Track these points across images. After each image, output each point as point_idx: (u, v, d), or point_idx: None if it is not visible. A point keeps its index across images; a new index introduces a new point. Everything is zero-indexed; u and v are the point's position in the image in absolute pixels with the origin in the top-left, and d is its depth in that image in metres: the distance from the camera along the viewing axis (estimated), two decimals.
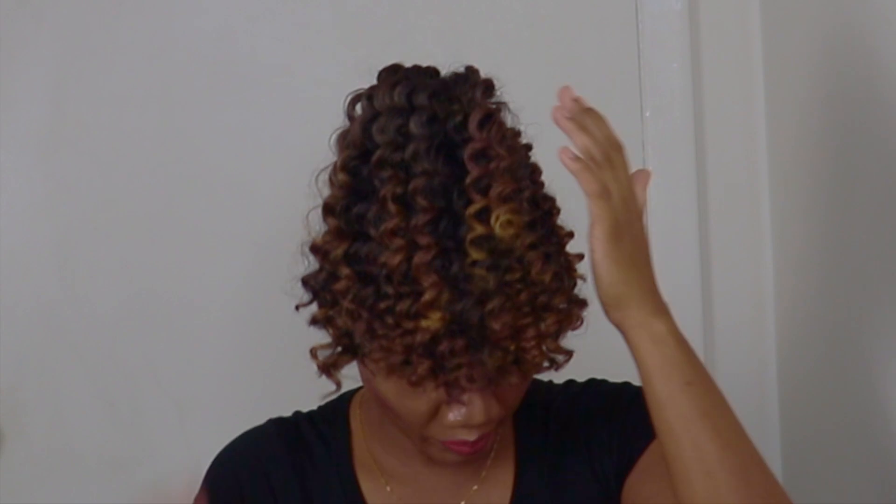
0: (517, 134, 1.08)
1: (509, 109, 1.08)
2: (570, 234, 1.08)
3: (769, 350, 1.83)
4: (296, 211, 1.12)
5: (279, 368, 1.75)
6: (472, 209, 1.00)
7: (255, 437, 1.27)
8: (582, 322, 1.07)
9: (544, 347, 1.04)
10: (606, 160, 1.03)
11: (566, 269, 1.06)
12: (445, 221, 1.01)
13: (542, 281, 1.02)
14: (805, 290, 1.71)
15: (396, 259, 1.01)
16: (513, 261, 1.01)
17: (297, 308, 1.12)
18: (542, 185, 1.08)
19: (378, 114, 1.05)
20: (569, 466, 1.21)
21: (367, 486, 1.22)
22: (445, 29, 1.80)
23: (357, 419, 1.25)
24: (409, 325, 1.01)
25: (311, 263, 1.10)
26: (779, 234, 1.80)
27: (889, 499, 1.39)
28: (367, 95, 1.08)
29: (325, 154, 1.11)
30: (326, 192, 1.09)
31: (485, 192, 1.01)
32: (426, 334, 1.00)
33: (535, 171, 1.08)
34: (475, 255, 1.00)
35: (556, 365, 1.08)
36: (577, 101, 1.05)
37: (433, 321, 1.00)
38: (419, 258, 1.00)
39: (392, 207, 1.01)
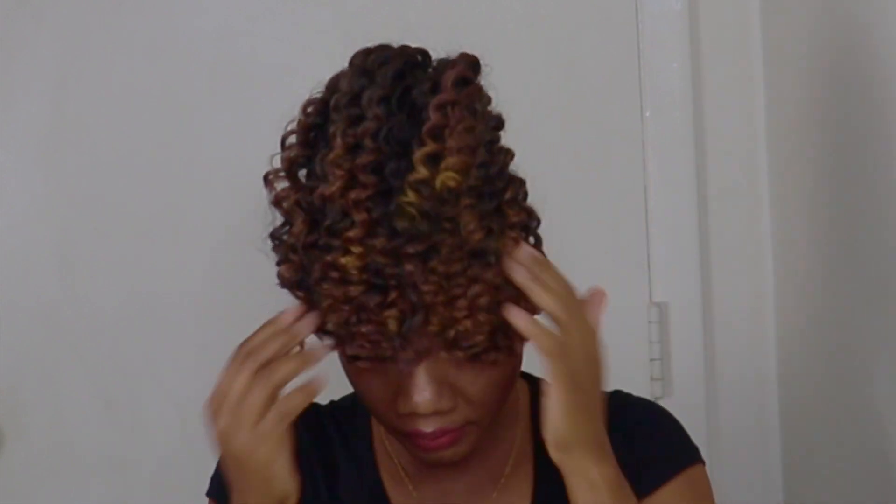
0: (486, 109, 1.05)
1: (484, 93, 1.06)
2: (519, 224, 1.05)
3: (769, 351, 1.83)
4: None
5: None
6: (421, 151, 0.99)
7: None
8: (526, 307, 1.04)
9: (478, 319, 1.01)
10: (564, 308, 1.03)
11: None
12: (394, 164, 0.99)
13: (470, 241, 1.00)
14: (805, 291, 1.71)
15: (331, 189, 0.99)
16: (447, 213, 0.99)
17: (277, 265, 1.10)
18: (503, 164, 1.05)
19: (347, 71, 1.06)
20: None
21: (393, 491, 1.20)
22: (445, 29, 1.80)
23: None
24: (330, 258, 1.00)
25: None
26: (779, 234, 1.80)
27: (889, 500, 1.39)
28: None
29: None
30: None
31: (439, 140, 0.99)
32: (344, 272, 0.99)
33: (500, 151, 1.05)
34: (410, 195, 0.98)
35: (502, 349, 1.05)
36: (533, 256, 1.05)
37: (352, 259, 0.99)
38: (355, 194, 0.99)
39: (339, 142, 1.00)
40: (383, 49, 1.05)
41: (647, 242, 1.83)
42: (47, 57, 1.80)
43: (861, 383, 1.48)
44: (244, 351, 1.06)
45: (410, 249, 0.98)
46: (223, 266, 1.82)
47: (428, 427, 1.07)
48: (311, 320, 1.05)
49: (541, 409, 1.03)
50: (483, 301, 1.01)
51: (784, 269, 1.79)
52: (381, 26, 1.81)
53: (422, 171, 0.98)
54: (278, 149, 1.79)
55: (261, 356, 1.05)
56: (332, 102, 1.04)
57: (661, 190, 1.82)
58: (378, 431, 1.22)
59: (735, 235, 1.84)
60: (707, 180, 1.83)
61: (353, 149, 1.00)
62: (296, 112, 1.09)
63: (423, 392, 1.05)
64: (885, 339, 1.39)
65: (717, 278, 1.84)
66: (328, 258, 1.00)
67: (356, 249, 0.99)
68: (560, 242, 1.79)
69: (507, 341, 1.04)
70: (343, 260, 0.99)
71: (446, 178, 0.98)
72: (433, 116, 1.00)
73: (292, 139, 1.07)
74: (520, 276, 1.03)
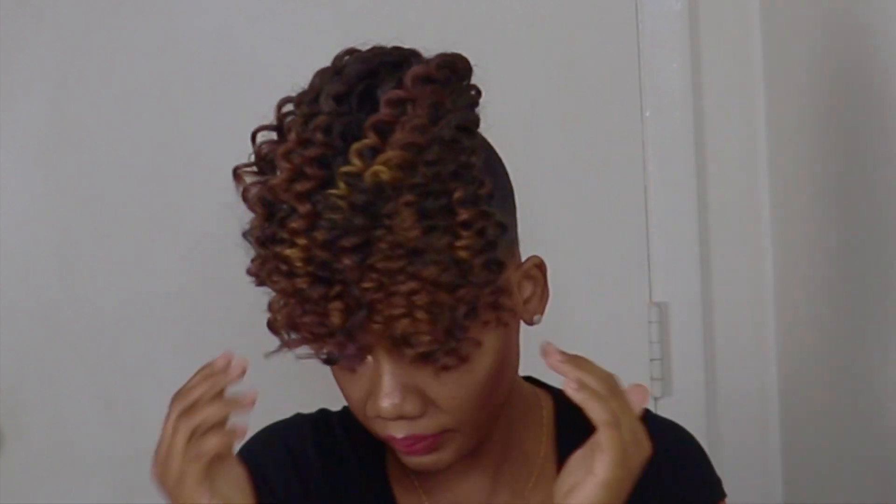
0: (456, 108, 1.01)
1: (461, 92, 1.02)
2: (471, 224, 0.99)
3: (769, 351, 1.83)
4: None
5: (280, 369, 1.74)
6: (359, 143, 0.97)
7: (286, 434, 1.21)
8: (472, 313, 1.01)
9: (416, 317, 0.98)
10: (610, 390, 1.01)
11: (453, 252, 0.98)
12: (340, 159, 0.98)
13: (406, 238, 0.96)
14: (805, 291, 1.71)
15: (278, 181, 0.99)
16: (386, 209, 0.96)
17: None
18: (464, 164, 0.99)
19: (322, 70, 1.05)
20: None
21: (403, 501, 1.17)
22: (445, 29, 1.80)
23: None
24: (278, 249, 0.99)
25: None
26: (779, 234, 1.80)
27: (889, 500, 1.39)
28: None
29: None
30: None
31: (382, 134, 0.97)
32: (290, 265, 0.99)
33: (462, 151, 1.00)
34: (341, 187, 0.96)
35: (451, 354, 1.02)
36: (566, 354, 1.03)
37: (296, 251, 0.98)
38: (300, 186, 0.98)
39: (292, 136, 1.00)
40: (370, 50, 1.05)
41: (647, 242, 1.83)
42: (47, 57, 1.80)
43: (861, 383, 1.48)
44: (176, 397, 1.09)
45: (346, 243, 0.96)
46: (224, 266, 1.81)
47: (398, 433, 1.05)
48: (241, 363, 1.07)
49: (572, 474, 1.01)
50: (420, 299, 0.98)
51: (784, 270, 1.79)
52: (380, 26, 1.80)
53: (355, 164, 0.97)
54: None
55: (187, 400, 1.07)
56: (295, 98, 1.04)
57: (661, 190, 1.82)
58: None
59: (735, 235, 1.84)
60: (707, 180, 1.83)
61: (305, 143, 0.99)
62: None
63: (388, 396, 1.03)
64: (885, 339, 1.39)
65: (717, 278, 1.84)
66: (276, 250, 1.00)
67: (300, 241, 0.98)
68: (560, 242, 1.80)
69: (454, 345, 1.01)
70: (288, 252, 0.98)
71: (377, 171, 0.96)
72: (382, 111, 0.98)
73: (264, 135, 1.07)
74: (556, 362, 1.01)
